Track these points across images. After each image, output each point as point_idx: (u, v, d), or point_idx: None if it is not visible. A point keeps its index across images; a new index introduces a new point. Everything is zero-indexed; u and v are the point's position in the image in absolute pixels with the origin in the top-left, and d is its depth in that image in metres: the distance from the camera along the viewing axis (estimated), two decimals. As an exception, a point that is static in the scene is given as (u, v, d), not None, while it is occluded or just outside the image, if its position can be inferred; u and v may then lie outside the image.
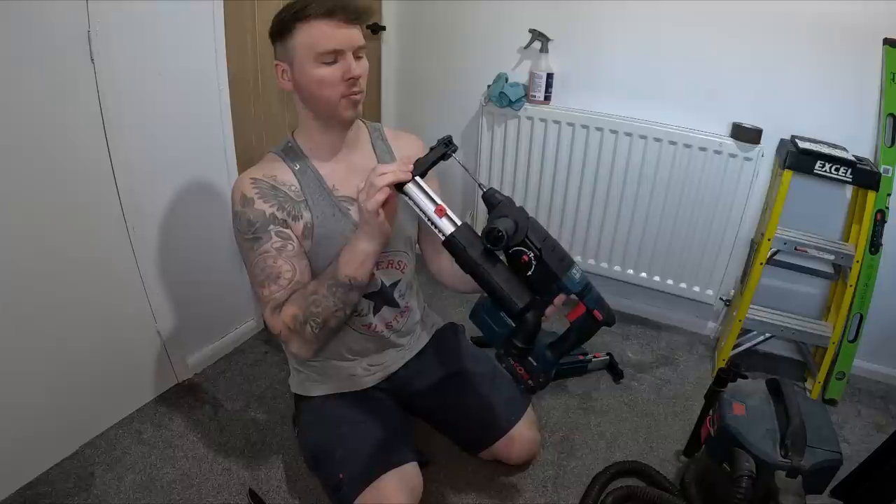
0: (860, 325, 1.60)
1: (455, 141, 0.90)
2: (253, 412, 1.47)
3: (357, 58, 0.96)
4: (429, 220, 0.85)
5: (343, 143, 1.07)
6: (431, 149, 0.89)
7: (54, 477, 1.23)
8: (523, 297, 0.82)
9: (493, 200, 0.84)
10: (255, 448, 1.36)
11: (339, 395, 1.18)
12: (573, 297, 0.86)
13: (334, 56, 0.93)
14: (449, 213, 0.85)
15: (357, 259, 0.92)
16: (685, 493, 1.21)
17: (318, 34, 0.92)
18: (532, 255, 0.81)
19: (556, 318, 0.89)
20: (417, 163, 0.87)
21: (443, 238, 0.84)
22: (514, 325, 0.87)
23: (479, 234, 0.82)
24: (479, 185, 0.88)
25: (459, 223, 0.84)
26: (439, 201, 0.85)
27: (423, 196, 0.85)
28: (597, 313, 0.85)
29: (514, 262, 0.83)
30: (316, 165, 1.05)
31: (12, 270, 1.10)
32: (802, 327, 1.63)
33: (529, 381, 0.92)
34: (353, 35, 0.95)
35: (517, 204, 0.85)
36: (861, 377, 1.75)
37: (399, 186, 0.86)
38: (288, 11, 0.92)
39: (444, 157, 0.88)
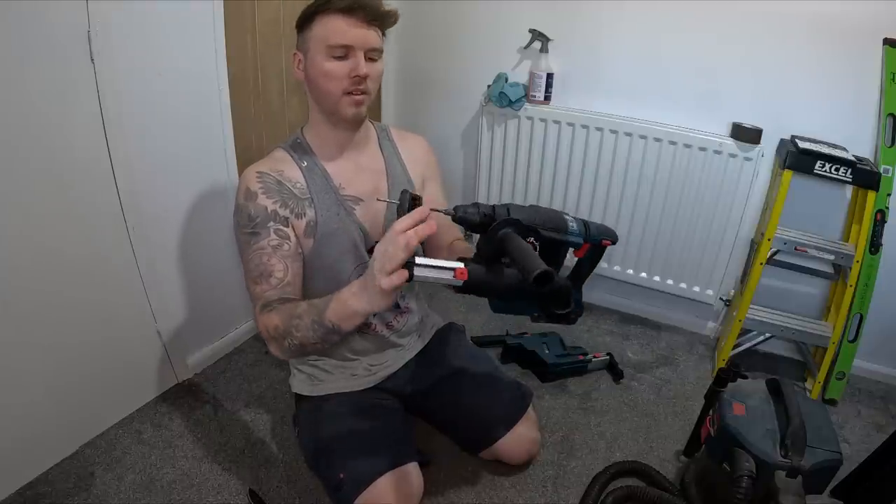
0: (860, 325, 1.61)
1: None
2: (253, 412, 1.47)
3: (370, 59, 0.97)
4: (438, 281, 0.77)
5: (351, 142, 1.07)
6: (399, 211, 0.81)
7: (54, 477, 1.23)
8: (551, 276, 0.78)
9: (472, 219, 0.78)
10: (255, 448, 1.36)
11: (340, 394, 1.18)
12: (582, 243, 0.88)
13: (345, 51, 0.94)
14: (438, 263, 0.77)
15: (346, 314, 0.83)
16: (685, 493, 1.21)
17: (333, 28, 0.93)
18: (531, 238, 0.81)
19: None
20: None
21: (458, 287, 0.77)
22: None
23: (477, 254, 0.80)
24: (446, 212, 0.80)
25: (462, 266, 0.77)
26: (453, 264, 0.77)
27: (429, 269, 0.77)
28: (605, 242, 0.89)
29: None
30: (323, 163, 1.05)
31: (12, 270, 1.10)
32: (802, 327, 1.63)
33: (571, 316, 0.91)
34: (369, 35, 0.95)
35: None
36: (861, 377, 1.75)
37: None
38: (312, 5, 0.95)
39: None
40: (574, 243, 0.87)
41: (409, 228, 0.74)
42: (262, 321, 0.97)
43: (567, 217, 0.86)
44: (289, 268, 0.99)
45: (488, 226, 0.78)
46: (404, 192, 0.81)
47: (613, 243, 0.91)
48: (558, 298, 0.87)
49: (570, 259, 0.92)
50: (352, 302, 0.82)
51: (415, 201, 0.80)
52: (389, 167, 1.11)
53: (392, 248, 0.73)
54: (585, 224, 0.88)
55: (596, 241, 0.89)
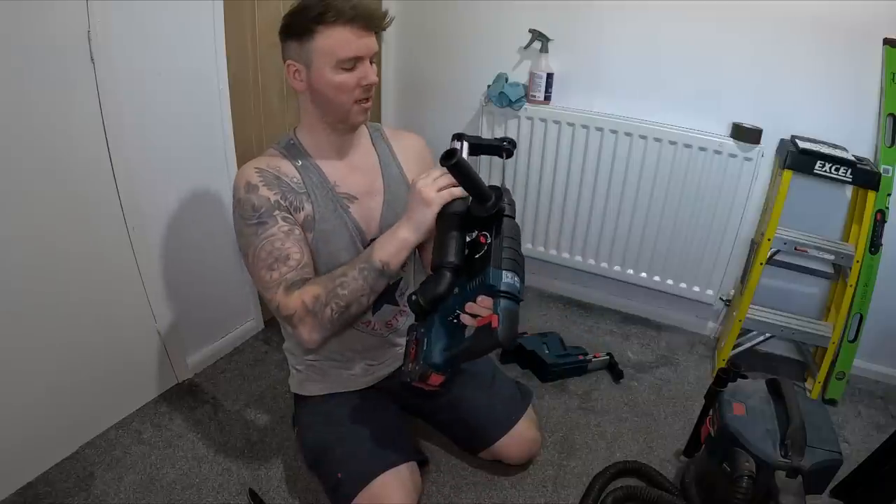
0: (860, 325, 1.60)
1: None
2: (253, 412, 1.47)
3: (371, 63, 0.97)
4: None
5: (349, 144, 1.07)
6: (495, 139, 0.94)
7: (54, 477, 1.23)
8: (451, 255, 0.82)
9: (496, 187, 0.86)
10: (255, 448, 1.36)
11: (339, 394, 1.18)
12: (492, 297, 0.78)
13: (354, 62, 0.93)
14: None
15: (395, 245, 0.93)
16: (685, 493, 1.21)
17: (341, 40, 0.91)
18: (489, 241, 0.81)
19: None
20: (474, 137, 0.91)
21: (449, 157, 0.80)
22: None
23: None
24: (503, 184, 0.91)
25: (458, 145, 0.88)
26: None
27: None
28: (494, 320, 0.75)
29: (474, 241, 0.85)
30: (318, 163, 1.05)
31: (12, 270, 1.10)
32: (802, 327, 1.63)
33: (410, 364, 0.85)
34: (372, 42, 0.95)
35: (518, 208, 0.88)
36: (861, 377, 1.75)
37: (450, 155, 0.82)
38: (306, 13, 0.90)
39: (498, 151, 0.92)
40: (489, 280, 0.77)
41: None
42: (291, 301, 0.93)
43: (518, 279, 0.79)
44: (303, 250, 0.98)
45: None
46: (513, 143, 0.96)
47: (500, 343, 0.75)
48: (434, 282, 0.82)
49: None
50: (401, 231, 0.93)
51: (507, 144, 0.95)
52: (384, 165, 1.12)
53: (435, 173, 0.90)
54: (514, 298, 0.77)
55: (496, 311, 0.76)
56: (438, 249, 0.84)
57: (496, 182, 0.99)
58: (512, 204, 0.86)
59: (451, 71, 1.99)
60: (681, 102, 1.69)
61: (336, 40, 0.91)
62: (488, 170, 1.98)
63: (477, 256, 0.82)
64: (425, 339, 0.86)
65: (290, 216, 1.00)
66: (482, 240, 0.82)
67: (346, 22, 0.90)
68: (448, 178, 0.88)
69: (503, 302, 0.76)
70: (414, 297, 0.85)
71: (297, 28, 0.93)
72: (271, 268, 0.96)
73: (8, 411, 1.14)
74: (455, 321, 0.85)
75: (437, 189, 0.89)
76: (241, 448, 1.35)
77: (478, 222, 0.86)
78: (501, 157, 0.93)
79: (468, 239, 0.86)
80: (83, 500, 1.19)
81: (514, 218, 0.85)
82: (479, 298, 0.79)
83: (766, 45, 1.55)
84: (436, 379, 0.86)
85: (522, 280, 0.80)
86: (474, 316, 0.81)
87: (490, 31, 1.87)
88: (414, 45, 2.02)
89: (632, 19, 1.67)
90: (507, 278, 0.78)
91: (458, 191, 0.88)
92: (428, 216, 0.89)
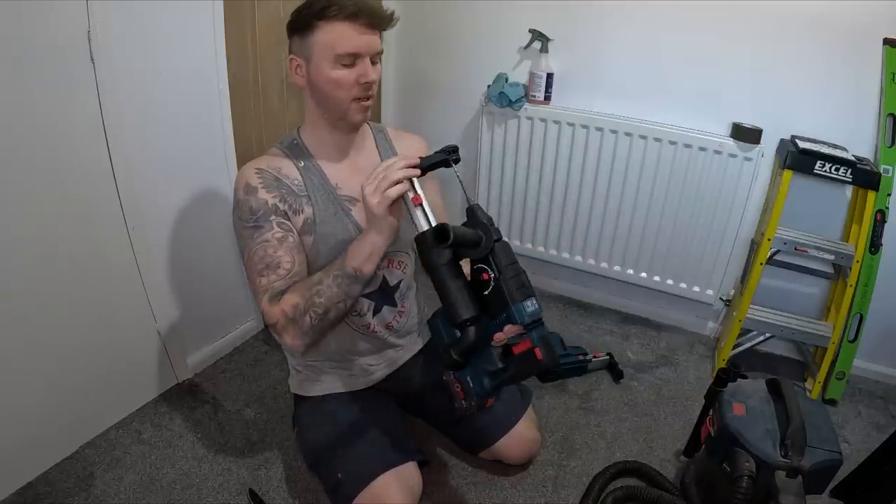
0: (860, 325, 1.60)
1: (455, 141, 0.90)
2: (253, 412, 1.47)
3: (372, 63, 0.97)
4: (409, 211, 0.88)
5: (350, 144, 1.07)
6: (436, 152, 0.90)
7: (54, 477, 1.23)
8: (468, 310, 0.82)
9: (472, 214, 0.85)
10: (255, 448, 1.36)
11: (338, 394, 1.18)
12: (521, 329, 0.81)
13: (353, 59, 0.93)
14: (426, 207, 0.87)
15: (365, 251, 0.93)
16: (685, 493, 1.21)
17: (340, 35, 0.91)
18: (492, 275, 0.81)
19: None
20: (423, 159, 0.89)
21: (417, 233, 0.84)
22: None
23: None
24: (468, 198, 0.90)
25: (434, 224, 0.85)
26: (420, 193, 0.88)
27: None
28: (538, 352, 0.79)
29: (475, 278, 0.84)
30: (320, 164, 1.05)
31: (12, 270, 1.10)
32: (802, 327, 1.63)
33: (463, 402, 0.88)
34: (374, 40, 0.95)
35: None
36: (861, 377, 1.75)
37: None
38: (311, 8, 0.92)
39: (446, 163, 0.89)
40: (514, 318, 0.79)
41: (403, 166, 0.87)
42: (274, 310, 0.96)
43: (535, 301, 0.81)
44: (295, 259, 0.99)
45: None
46: (455, 148, 0.91)
47: (546, 368, 0.79)
48: (464, 340, 0.83)
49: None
50: (367, 236, 0.93)
51: (450, 154, 0.89)
52: None
53: (382, 171, 0.86)
54: (540, 321, 0.81)
55: (533, 342, 0.79)
56: (451, 309, 0.83)
57: (463, 187, 0.95)
58: (491, 222, 0.84)
59: (452, 71, 1.99)
60: (681, 102, 1.69)
61: (336, 35, 0.91)
62: (487, 172, 1.98)
63: (486, 293, 0.82)
64: (468, 377, 0.87)
65: (286, 221, 1.00)
66: (485, 276, 0.82)
67: (346, 17, 0.90)
68: (391, 173, 0.86)
69: (535, 332, 0.80)
70: (450, 354, 0.85)
71: (300, 23, 0.94)
72: (261, 274, 0.97)
73: (8, 411, 1.14)
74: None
75: (382, 191, 0.86)
76: (241, 448, 1.35)
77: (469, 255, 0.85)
78: (451, 166, 0.91)
79: (465, 269, 0.86)
80: (83, 500, 1.19)
81: (501, 239, 0.84)
82: (506, 328, 0.83)
83: (765, 45, 1.55)
84: (489, 402, 0.90)
85: (534, 295, 0.82)
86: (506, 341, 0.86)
87: (490, 31, 1.87)
88: (414, 45, 2.02)
89: (632, 19, 1.67)
90: (528, 308, 0.80)
91: (402, 187, 0.86)
92: (383, 223, 0.89)
